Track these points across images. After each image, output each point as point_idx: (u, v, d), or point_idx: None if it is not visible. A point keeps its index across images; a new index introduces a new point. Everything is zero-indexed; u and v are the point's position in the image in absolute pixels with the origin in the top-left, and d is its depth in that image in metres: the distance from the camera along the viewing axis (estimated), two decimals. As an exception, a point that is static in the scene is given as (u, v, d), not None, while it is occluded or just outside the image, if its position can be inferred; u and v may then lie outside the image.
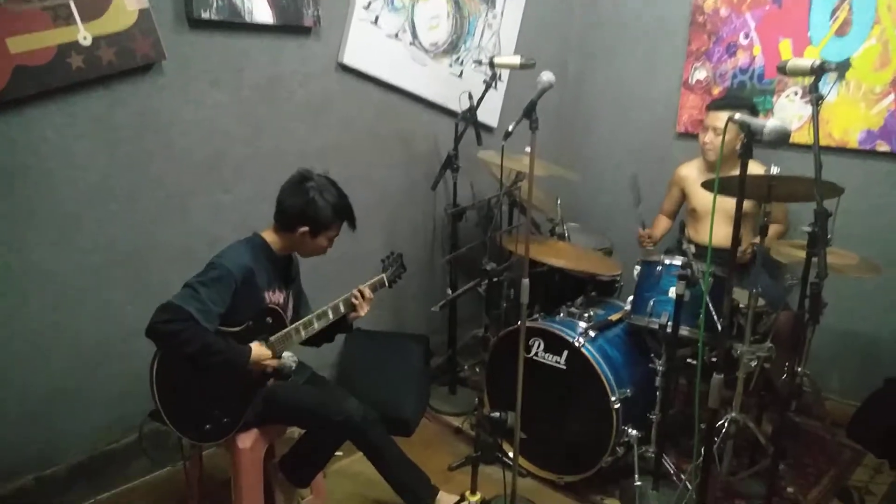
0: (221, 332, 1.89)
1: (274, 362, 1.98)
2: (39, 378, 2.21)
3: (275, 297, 2.06)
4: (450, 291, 3.04)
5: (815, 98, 1.95)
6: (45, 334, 2.20)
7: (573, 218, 3.33)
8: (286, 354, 2.03)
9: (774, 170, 2.19)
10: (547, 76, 2.04)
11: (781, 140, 1.54)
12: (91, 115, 2.16)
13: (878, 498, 2.53)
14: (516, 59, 2.60)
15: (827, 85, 2.93)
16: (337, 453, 2.24)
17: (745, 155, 1.63)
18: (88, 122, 2.16)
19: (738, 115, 1.62)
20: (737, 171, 1.70)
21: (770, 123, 1.55)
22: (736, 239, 1.74)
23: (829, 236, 2.03)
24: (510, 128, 1.99)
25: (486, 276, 2.75)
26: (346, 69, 2.80)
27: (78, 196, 2.18)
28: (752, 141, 1.59)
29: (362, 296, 2.20)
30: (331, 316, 2.14)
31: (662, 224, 3.24)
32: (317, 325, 2.12)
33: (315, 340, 2.19)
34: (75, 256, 2.21)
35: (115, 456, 2.42)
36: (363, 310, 2.21)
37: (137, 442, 2.24)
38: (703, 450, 1.92)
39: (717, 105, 2.89)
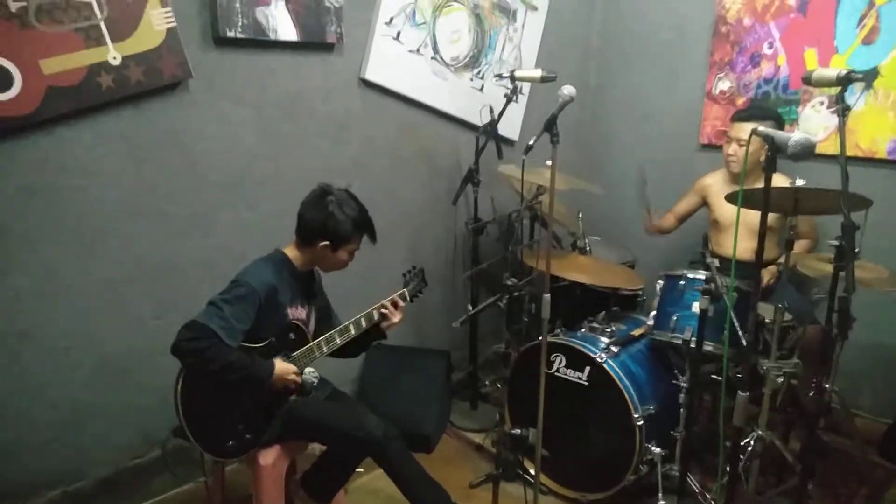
0: (244, 348, 1.91)
1: (297, 377, 1.99)
2: (67, 393, 2.25)
3: (297, 312, 2.08)
4: (470, 307, 3.03)
5: (842, 109, 1.91)
6: (72, 349, 2.23)
7: (595, 232, 3.31)
8: (308, 370, 2.04)
9: (800, 182, 2.15)
10: (568, 90, 2.04)
11: (806, 153, 1.52)
12: (119, 134, 2.21)
13: (913, 519, 2.47)
14: (537, 73, 2.60)
15: (854, 95, 2.89)
16: (358, 470, 2.24)
17: (770, 168, 1.61)
18: (117, 140, 2.21)
19: (761, 128, 1.61)
20: (761, 184, 1.68)
21: (795, 136, 1.53)
22: (761, 253, 1.72)
23: (857, 250, 1.98)
24: (531, 142, 1.99)
25: (506, 292, 2.73)
26: (368, 84, 2.83)
27: (105, 213, 2.23)
28: (776, 154, 1.57)
29: (395, 306, 2.21)
30: (353, 331, 2.15)
31: (669, 220, 3.20)
32: (339, 341, 2.13)
33: (350, 350, 2.20)
34: (102, 272, 2.25)
35: (140, 471, 2.44)
36: (396, 317, 2.21)
37: (161, 458, 2.27)
38: (728, 468, 1.88)
39: (741, 116, 2.85)
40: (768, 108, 3.10)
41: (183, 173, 2.37)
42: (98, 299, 2.26)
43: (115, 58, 2.11)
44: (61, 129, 2.08)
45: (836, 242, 1.98)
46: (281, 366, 1.96)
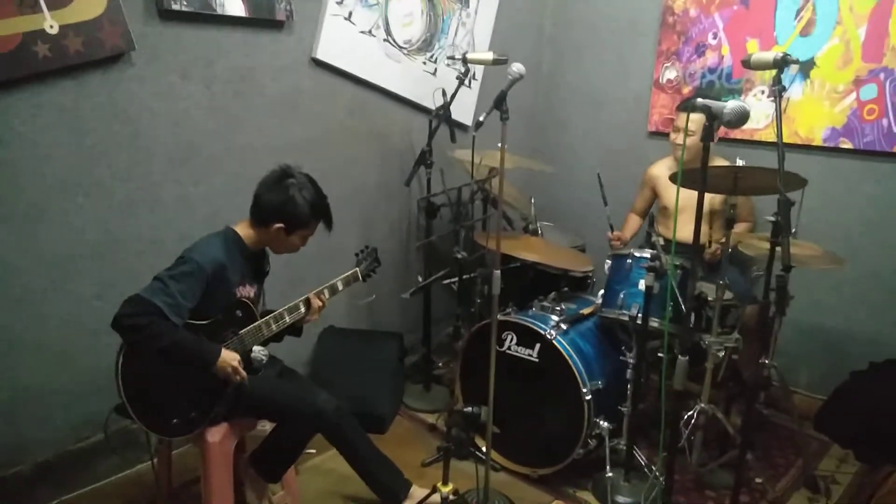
0: (190, 325, 1.87)
1: (239, 368, 1.92)
2: (3, 374, 2.16)
3: (246, 291, 2.05)
4: (420, 279, 3.03)
5: (778, 90, 2.00)
6: (8, 329, 2.15)
7: (548, 218, 3.35)
8: (257, 348, 2.01)
9: (740, 162, 2.23)
10: (517, 67, 2.06)
11: (741, 119, 1.58)
12: (58, 106, 2.13)
13: (843, 486, 2.58)
14: (489, 55, 2.61)
15: (789, 76, 3.00)
16: (310, 451, 2.22)
17: (707, 138, 1.66)
18: (55, 112, 2.13)
19: (699, 100, 1.66)
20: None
21: (730, 104, 1.59)
22: (699, 229, 1.77)
23: (793, 229, 2.07)
24: (481, 118, 2.01)
25: (457, 266, 2.75)
26: (319, 64, 2.80)
27: (43, 187, 2.14)
28: (713, 123, 1.63)
29: (312, 303, 2.14)
30: (302, 310, 2.13)
31: (633, 223, 3.28)
32: (288, 319, 2.10)
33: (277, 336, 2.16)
34: (40, 249, 2.17)
35: (83, 455, 2.37)
36: (314, 316, 2.16)
37: (104, 439, 2.20)
38: (669, 435, 1.94)
39: (683, 106, 2.93)
40: (713, 96, 3.19)
41: (126, 147, 2.31)
42: (36, 277, 2.18)
43: (52, 26, 2.04)
44: (-6, 98, 2.00)
45: (773, 218, 2.06)
46: (226, 353, 1.91)
